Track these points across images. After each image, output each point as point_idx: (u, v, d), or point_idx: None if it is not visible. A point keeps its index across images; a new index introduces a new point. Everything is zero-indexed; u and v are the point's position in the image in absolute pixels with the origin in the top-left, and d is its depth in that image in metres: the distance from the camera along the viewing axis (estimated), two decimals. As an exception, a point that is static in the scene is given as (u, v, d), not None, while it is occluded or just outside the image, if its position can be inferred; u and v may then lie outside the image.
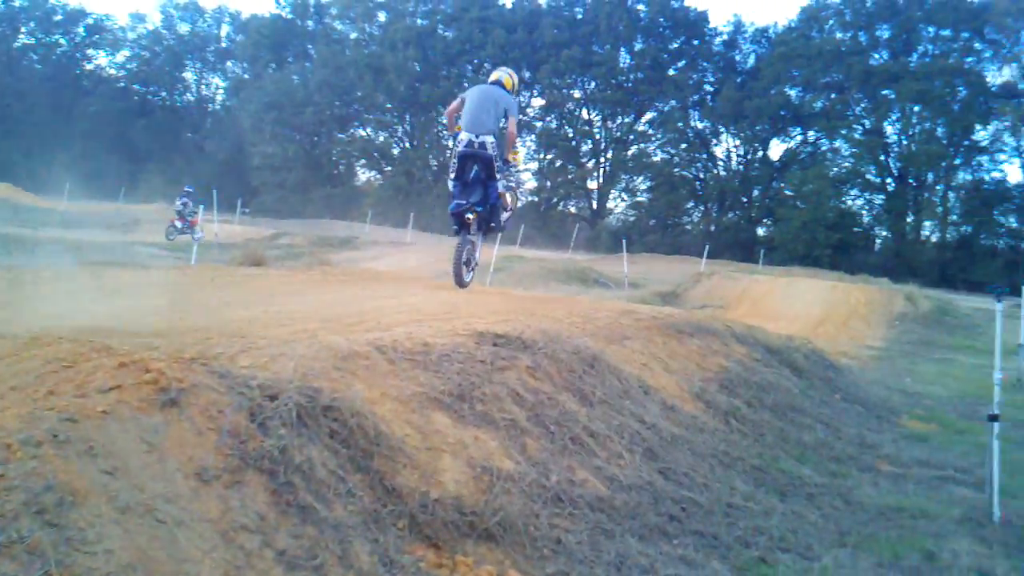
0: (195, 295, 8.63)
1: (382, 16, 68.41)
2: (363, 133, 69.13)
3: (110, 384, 3.68)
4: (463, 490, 4.62)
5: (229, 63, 77.19)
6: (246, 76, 72.24)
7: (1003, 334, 7.45)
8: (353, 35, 69.55)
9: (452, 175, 9.61)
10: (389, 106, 66.47)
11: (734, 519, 5.87)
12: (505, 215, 10.17)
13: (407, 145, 67.61)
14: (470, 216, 9.45)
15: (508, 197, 10.10)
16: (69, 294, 7.76)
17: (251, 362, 4.54)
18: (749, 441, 7.79)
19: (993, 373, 7.22)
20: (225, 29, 77.75)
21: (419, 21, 66.66)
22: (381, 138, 68.67)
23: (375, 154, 68.10)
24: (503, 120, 9.48)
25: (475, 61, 64.76)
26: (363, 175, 71.71)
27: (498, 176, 9.53)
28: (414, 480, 4.44)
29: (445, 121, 10.03)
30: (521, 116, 51.07)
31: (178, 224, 31.67)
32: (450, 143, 10.44)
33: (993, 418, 6.79)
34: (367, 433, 4.43)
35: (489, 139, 9.20)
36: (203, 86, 78.36)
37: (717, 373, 9.18)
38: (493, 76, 9.96)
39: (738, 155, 63.30)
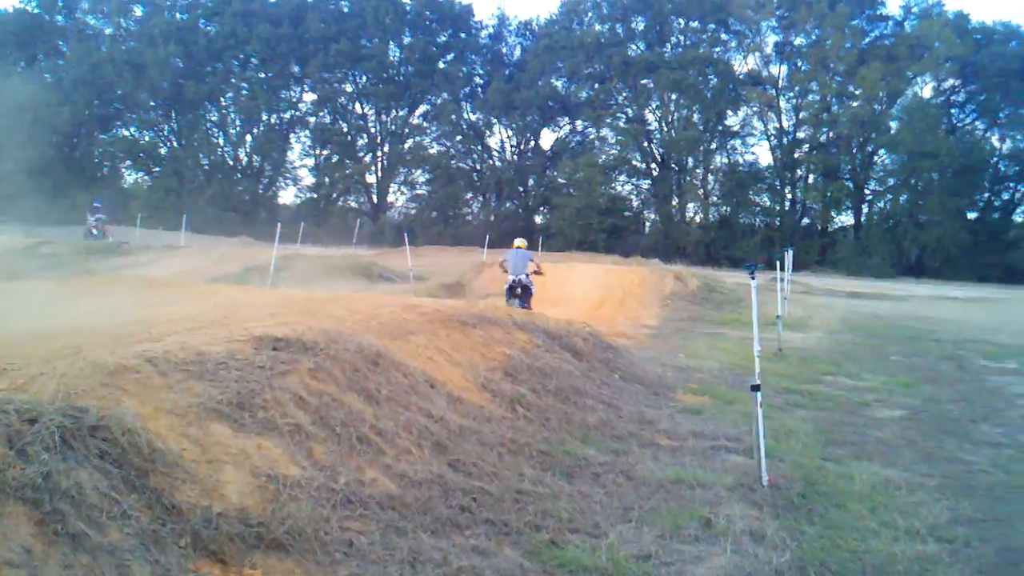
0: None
1: (138, 11, 65.10)
2: (126, 133, 65.47)
3: None
4: (248, 501, 4.49)
5: (-30, 61, 71.27)
6: (-9, 75, 66.90)
7: (760, 307, 7.97)
8: (108, 30, 65.74)
9: (506, 294, 16.10)
10: (153, 104, 63.42)
11: (524, 504, 5.98)
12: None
13: (175, 144, 64.74)
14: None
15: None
16: None
17: (7, 384, 4.25)
18: (535, 426, 7.97)
19: (754, 345, 7.73)
20: (-38, 25, 71.62)
21: (179, 15, 63.93)
22: (146, 137, 65.38)
23: (141, 154, 64.73)
24: (530, 263, 16.18)
25: (241, 56, 62.87)
26: (130, 176, 67.89)
27: (531, 291, 16.15)
28: (195, 495, 4.27)
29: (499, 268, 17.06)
30: (295, 111, 50.99)
31: (95, 231, 36.37)
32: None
33: (755, 388, 7.22)
34: (141, 450, 4.22)
35: (523, 277, 15.83)
36: (-59, 86, 71.92)
37: (501, 362, 9.33)
38: (516, 244, 16.58)
39: (512, 145, 64.89)
